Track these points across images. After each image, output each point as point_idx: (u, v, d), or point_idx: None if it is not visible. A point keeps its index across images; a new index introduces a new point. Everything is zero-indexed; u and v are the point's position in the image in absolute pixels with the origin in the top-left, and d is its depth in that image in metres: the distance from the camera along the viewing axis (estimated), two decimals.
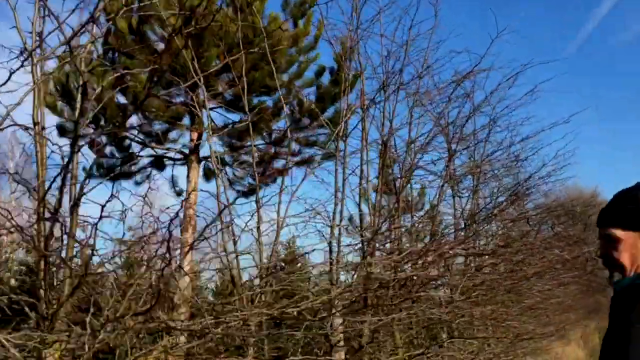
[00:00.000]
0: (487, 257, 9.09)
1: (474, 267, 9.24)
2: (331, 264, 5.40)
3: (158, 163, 8.54)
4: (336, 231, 5.52)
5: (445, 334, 9.28)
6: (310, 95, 7.18)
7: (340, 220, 5.33)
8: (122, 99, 6.86)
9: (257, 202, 4.76)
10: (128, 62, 5.91)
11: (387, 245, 7.80)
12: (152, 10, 5.46)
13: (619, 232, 1.93)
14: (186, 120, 7.61)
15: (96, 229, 2.94)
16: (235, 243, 4.52)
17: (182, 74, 5.61)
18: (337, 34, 6.13)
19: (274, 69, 5.31)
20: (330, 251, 5.46)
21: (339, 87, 6.58)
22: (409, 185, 9.01)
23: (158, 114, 6.67)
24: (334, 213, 5.42)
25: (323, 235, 5.48)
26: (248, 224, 4.58)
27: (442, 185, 8.34)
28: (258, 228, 4.58)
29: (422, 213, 9.66)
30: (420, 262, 7.54)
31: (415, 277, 7.40)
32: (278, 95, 6.12)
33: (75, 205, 3.29)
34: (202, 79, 5.81)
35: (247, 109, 5.27)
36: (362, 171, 6.38)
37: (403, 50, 6.87)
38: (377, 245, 7.08)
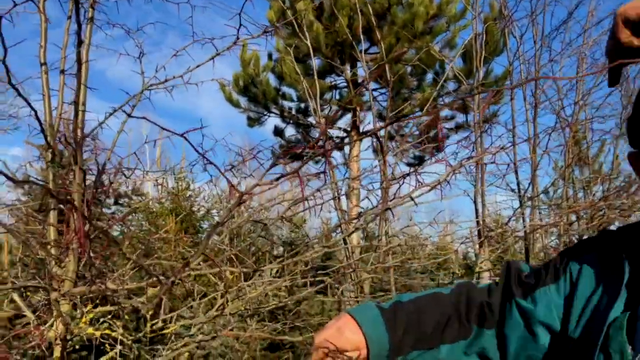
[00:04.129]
0: None
1: None
2: (477, 220, 4.88)
3: (336, 144, 8.72)
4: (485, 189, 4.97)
5: None
6: (460, 62, 6.59)
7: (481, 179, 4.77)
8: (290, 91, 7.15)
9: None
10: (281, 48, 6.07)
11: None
12: None
13: None
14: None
15: None
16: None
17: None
18: None
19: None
20: (476, 210, 4.93)
21: (487, 48, 5.89)
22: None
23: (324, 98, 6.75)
24: (477, 173, 4.88)
25: (468, 195, 4.98)
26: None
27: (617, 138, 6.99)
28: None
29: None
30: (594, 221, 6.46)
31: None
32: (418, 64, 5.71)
33: None
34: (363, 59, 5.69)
35: (389, 80, 4.97)
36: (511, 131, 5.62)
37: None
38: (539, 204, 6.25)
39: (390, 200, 1.90)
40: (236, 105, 7.52)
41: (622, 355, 0.91)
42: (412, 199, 1.68)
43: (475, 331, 1.11)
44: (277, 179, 1.17)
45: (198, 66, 2.34)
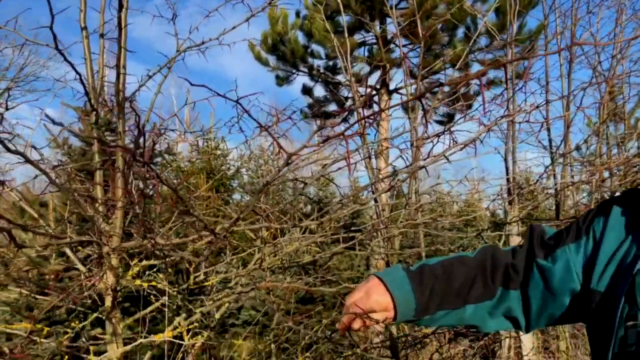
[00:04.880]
0: None
1: None
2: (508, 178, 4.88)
3: (364, 102, 8.67)
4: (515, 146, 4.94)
5: None
6: (493, 17, 6.39)
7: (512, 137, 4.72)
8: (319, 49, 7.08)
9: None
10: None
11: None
12: None
13: None
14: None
15: None
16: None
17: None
18: None
19: None
20: (506, 167, 4.92)
21: (521, 1, 5.70)
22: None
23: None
24: (508, 131, 4.83)
25: (498, 152, 4.96)
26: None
27: None
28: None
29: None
30: (627, 177, 6.34)
31: None
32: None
33: None
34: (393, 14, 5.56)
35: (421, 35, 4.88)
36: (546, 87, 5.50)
37: None
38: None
39: (424, 159, 1.94)
40: (265, 64, 7.51)
41: None
42: (447, 158, 1.71)
43: (501, 292, 1.16)
44: (324, 141, 1.21)
45: (234, 28, 2.37)
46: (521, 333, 4.89)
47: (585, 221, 1.15)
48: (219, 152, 10.79)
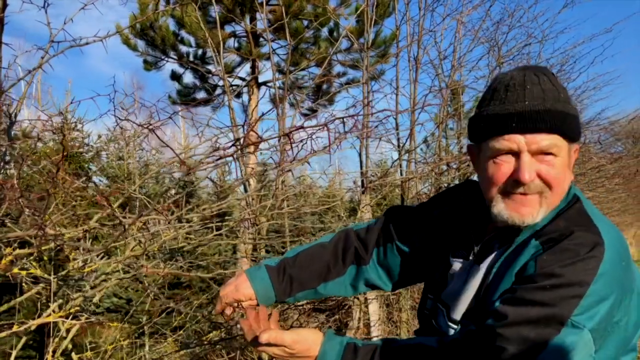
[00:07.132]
0: None
1: None
2: (362, 171, 5.46)
3: (235, 93, 8.90)
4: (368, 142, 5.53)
5: None
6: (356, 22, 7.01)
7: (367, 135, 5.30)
8: (187, 35, 7.14)
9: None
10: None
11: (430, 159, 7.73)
12: None
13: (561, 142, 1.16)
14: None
15: None
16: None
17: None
18: None
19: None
20: (361, 162, 5.51)
21: (378, 11, 6.34)
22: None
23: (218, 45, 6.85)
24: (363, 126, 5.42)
25: (354, 147, 5.52)
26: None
27: None
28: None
29: None
30: (460, 171, 7.41)
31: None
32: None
33: None
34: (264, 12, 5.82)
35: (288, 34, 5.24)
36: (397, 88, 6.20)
37: None
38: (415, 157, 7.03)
39: (287, 162, 2.31)
40: (133, 49, 7.36)
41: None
42: (308, 163, 2.10)
43: (354, 269, 1.51)
44: (191, 169, 1.51)
45: (112, 34, 2.52)
46: (370, 307, 5.57)
47: (426, 215, 1.51)
48: (76, 132, 10.21)
